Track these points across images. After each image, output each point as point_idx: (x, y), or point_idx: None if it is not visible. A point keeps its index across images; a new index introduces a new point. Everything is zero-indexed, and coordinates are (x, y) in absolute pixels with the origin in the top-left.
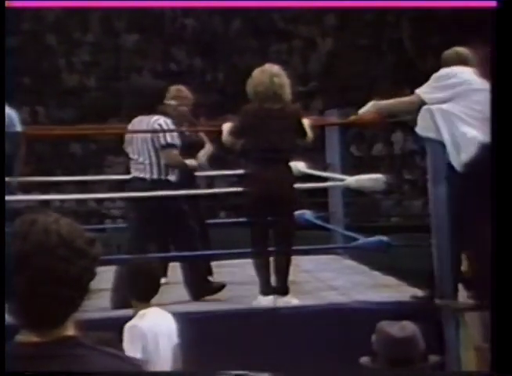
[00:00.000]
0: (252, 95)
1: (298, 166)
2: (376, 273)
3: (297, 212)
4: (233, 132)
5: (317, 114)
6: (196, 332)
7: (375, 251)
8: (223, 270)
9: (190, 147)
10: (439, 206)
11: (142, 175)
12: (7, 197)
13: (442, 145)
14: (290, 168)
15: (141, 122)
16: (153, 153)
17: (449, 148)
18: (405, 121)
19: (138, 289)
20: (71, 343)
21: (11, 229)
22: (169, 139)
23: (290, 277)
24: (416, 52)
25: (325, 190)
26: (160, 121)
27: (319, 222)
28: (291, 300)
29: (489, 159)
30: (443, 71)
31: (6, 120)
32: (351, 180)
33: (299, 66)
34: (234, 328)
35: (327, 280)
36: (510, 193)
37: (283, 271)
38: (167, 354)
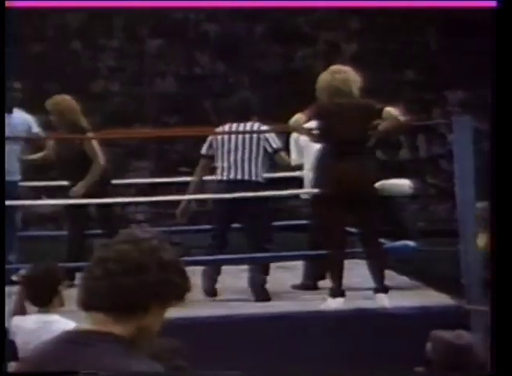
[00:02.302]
0: (326, 92)
1: None
2: (404, 278)
3: None
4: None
5: None
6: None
7: (401, 255)
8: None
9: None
10: (466, 210)
11: None
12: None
13: (470, 149)
14: (370, 161)
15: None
16: None
17: None
18: (429, 125)
19: None
20: (108, 337)
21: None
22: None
23: (319, 282)
24: (441, 56)
25: None
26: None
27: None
28: (386, 299)
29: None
30: None
31: (25, 125)
32: (378, 185)
33: (323, 70)
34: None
35: (353, 284)
36: (510, 193)
37: (381, 270)
38: None
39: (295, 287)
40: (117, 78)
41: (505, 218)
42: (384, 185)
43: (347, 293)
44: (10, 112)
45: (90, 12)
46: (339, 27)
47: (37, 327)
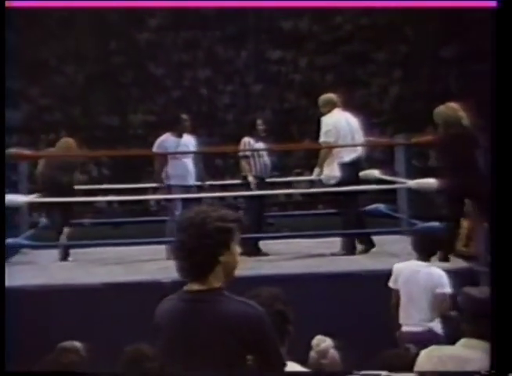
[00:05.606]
0: (445, 123)
1: (374, 173)
2: None
3: (372, 205)
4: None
5: (389, 138)
6: None
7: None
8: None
9: None
10: None
11: None
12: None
13: None
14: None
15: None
16: None
17: None
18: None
19: None
20: (217, 292)
21: (183, 215)
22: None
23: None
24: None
25: (394, 190)
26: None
27: (390, 213)
28: None
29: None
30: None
31: (193, 145)
32: (413, 183)
33: (375, 105)
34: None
35: (395, 252)
36: (510, 193)
37: None
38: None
39: (333, 254)
40: (231, 111)
41: (505, 217)
42: (418, 183)
43: (387, 256)
44: (180, 136)
45: (212, 68)
46: (386, 75)
47: (415, 267)
